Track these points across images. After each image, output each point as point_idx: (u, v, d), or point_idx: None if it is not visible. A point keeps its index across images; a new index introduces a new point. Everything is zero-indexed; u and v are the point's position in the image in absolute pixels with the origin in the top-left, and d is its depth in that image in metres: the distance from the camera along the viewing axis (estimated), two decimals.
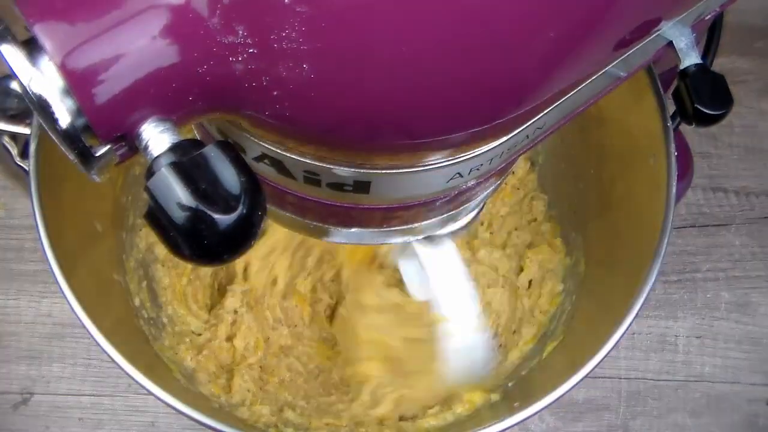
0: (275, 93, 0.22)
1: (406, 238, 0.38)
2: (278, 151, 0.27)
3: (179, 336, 0.57)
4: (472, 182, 0.31)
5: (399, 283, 0.57)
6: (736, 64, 0.78)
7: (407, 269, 0.48)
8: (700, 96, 0.35)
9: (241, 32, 0.20)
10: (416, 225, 0.35)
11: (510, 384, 0.55)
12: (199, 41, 0.21)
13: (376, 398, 0.55)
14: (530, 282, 0.61)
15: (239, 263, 0.60)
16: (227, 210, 0.20)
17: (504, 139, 0.28)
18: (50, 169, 0.46)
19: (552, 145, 0.63)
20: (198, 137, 0.32)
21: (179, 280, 0.60)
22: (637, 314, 0.44)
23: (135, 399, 0.66)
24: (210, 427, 0.43)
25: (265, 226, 0.59)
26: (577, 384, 0.43)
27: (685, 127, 0.53)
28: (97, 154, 0.22)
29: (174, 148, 0.21)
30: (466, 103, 0.23)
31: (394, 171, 0.28)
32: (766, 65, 0.78)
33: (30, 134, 0.45)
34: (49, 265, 0.44)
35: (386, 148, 0.25)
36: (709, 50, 0.50)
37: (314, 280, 0.61)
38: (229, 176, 0.21)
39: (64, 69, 0.20)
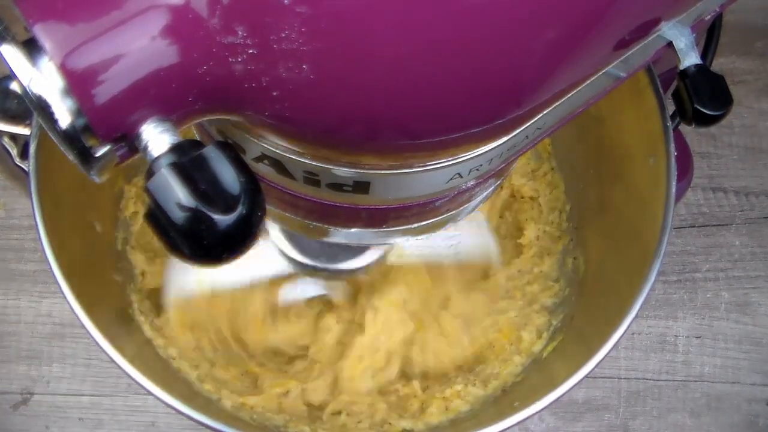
0: (275, 93, 0.22)
1: (405, 238, 0.38)
2: (278, 151, 0.27)
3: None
4: (472, 182, 0.31)
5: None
6: (736, 64, 0.78)
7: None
8: (700, 96, 0.35)
9: (241, 33, 0.20)
10: (416, 225, 0.35)
11: (510, 384, 0.55)
12: (198, 42, 0.21)
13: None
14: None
15: None
16: (227, 210, 0.20)
17: (504, 139, 0.28)
18: (50, 169, 0.46)
19: (552, 145, 0.63)
20: (198, 138, 0.32)
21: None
22: (637, 314, 0.44)
23: (135, 399, 0.66)
24: (210, 427, 0.43)
25: None
26: (577, 384, 0.43)
27: (685, 127, 0.53)
28: (97, 155, 0.22)
29: (174, 149, 0.21)
30: (466, 104, 0.23)
31: (393, 171, 0.28)
32: (766, 65, 0.78)
33: (30, 135, 0.45)
34: (49, 265, 0.44)
35: (386, 149, 0.25)
36: (708, 50, 0.50)
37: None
38: (228, 177, 0.21)
39: (65, 69, 0.20)
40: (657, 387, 0.68)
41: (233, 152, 0.21)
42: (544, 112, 0.27)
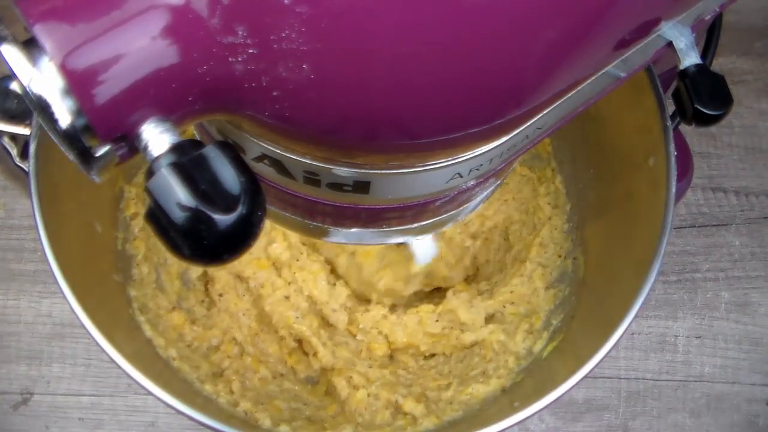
0: (275, 93, 0.22)
1: (405, 238, 0.38)
2: (278, 151, 0.27)
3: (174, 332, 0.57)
4: (472, 182, 0.31)
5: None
6: (736, 64, 0.78)
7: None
8: (700, 96, 0.35)
9: (241, 33, 0.20)
10: (416, 225, 0.35)
11: (510, 384, 0.55)
12: (199, 42, 0.21)
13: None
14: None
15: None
16: (227, 210, 0.20)
17: (504, 139, 0.28)
18: (50, 169, 0.46)
19: (552, 145, 0.63)
20: (198, 138, 0.32)
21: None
22: (636, 314, 0.44)
23: (135, 399, 0.66)
24: (210, 427, 0.43)
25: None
26: (577, 384, 0.43)
27: (685, 127, 0.53)
28: (97, 155, 0.22)
29: (174, 149, 0.21)
30: (465, 104, 0.23)
31: (393, 171, 0.28)
32: (766, 65, 0.78)
33: (30, 135, 0.45)
34: (49, 265, 0.44)
35: (386, 149, 0.25)
36: (708, 50, 0.50)
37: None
38: (228, 176, 0.21)
39: (65, 69, 0.20)
40: (657, 387, 0.68)
41: (233, 152, 0.21)
42: (544, 112, 0.27)
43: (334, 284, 0.63)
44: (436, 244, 0.50)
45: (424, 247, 0.48)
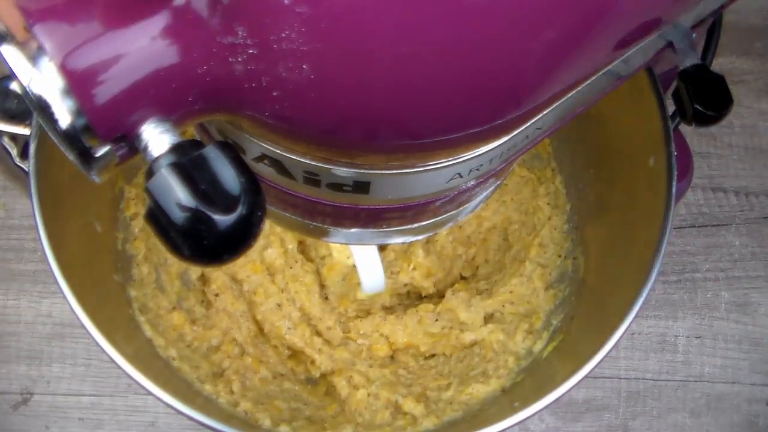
0: (275, 93, 0.22)
1: (405, 238, 0.38)
2: (278, 151, 0.27)
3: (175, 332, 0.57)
4: (472, 182, 0.31)
5: None
6: (735, 64, 0.78)
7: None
8: (700, 96, 0.35)
9: (241, 33, 0.20)
10: (416, 225, 0.35)
11: (510, 384, 0.55)
12: (199, 42, 0.21)
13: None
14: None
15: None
16: (227, 210, 0.20)
17: (504, 139, 0.28)
18: (50, 169, 0.46)
19: (552, 145, 0.63)
20: (198, 138, 0.32)
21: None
22: (636, 314, 0.44)
23: (135, 399, 0.66)
24: (210, 427, 0.43)
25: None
26: (577, 384, 0.43)
27: (685, 127, 0.53)
28: (97, 155, 0.22)
29: (174, 149, 0.21)
30: (465, 104, 0.23)
31: (393, 171, 0.28)
32: (766, 65, 0.78)
33: (30, 135, 0.45)
34: (49, 265, 0.44)
35: (386, 149, 0.25)
36: (708, 50, 0.50)
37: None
38: (228, 177, 0.21)
39: (65, 69, 0.20)
40: (657, 387, 0.68)
41: (233, 152, 0.21)
42: (544, 112, 0.27)
43: (327, 298, 0.62)
44: (385, 280, 0.49)
45: (372, 277, 0.48)
